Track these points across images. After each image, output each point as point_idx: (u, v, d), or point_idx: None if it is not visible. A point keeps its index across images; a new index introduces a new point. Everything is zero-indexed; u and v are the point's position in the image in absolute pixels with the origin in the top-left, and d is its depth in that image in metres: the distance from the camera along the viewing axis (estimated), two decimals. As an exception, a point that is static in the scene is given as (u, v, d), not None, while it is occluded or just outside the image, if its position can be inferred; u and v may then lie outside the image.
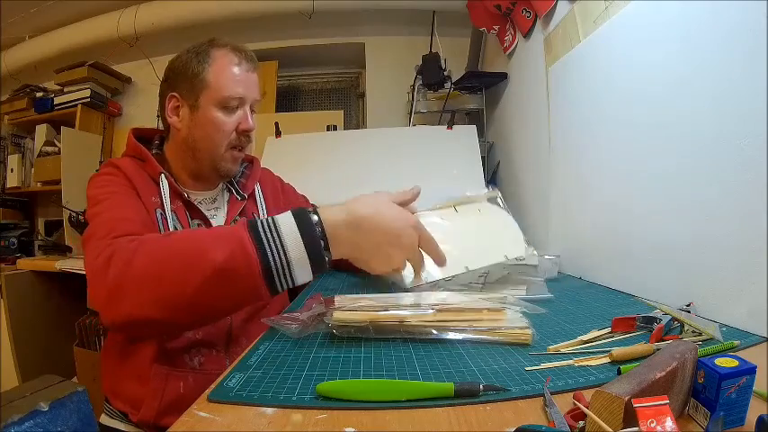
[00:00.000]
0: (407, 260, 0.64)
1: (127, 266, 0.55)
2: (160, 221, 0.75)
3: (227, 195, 0.90)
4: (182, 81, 0.80)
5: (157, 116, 0.89)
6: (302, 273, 0.55)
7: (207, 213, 0.83)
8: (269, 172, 1.05)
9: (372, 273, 0.63)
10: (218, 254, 0.52)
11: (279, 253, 0.54)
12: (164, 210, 0.76)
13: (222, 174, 0.85)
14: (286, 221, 0.55)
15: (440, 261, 0.66)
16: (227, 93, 0.78)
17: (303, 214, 0.56)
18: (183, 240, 0.57)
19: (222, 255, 0.52)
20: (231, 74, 0.79)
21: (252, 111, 0.83)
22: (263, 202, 0.93)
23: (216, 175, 0.85)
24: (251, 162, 0.96)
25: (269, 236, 0.54)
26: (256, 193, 0.93)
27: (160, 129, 0.89)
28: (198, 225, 0.82)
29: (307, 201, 1.10)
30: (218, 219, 0.86)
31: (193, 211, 0.81)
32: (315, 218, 0.56)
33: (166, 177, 0.78)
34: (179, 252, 0.55)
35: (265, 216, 0.79)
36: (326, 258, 0.57)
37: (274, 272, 0.54)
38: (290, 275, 0.55)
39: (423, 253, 0.65)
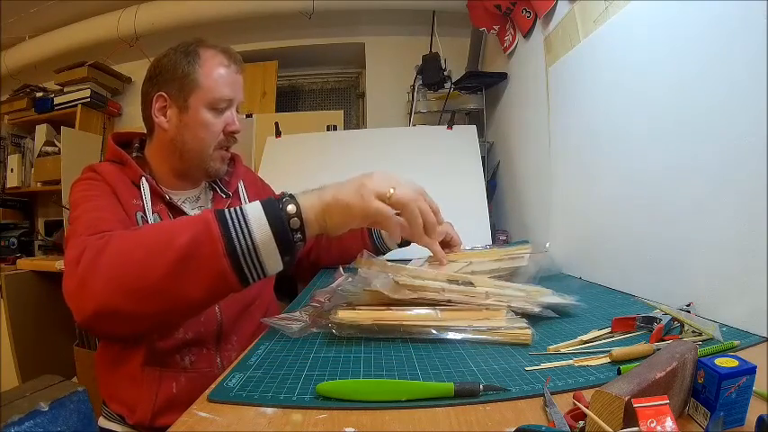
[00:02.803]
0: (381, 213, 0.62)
1: (94, 261, 0.55)
2: (140, 224, 0.75)
3: (210, 194, 0.90)
4: (170, 81, 0.79)
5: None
6: (270, 258, 0.54)
7: (192, 213, 0.83)
8: (250, 171, 1.06)
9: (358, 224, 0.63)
10: (182, 237, 0.52)
11: (244, 235, 0.53)
12: (145, 213, 0.76)
13: (211, 173, 0.85)
14: (254, 206, 0.56)
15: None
16: (218, 94, 0.79)
17: (271, 201, 0.57)
18: (150, 230, 0.60)
19: (186, 237, 0.52)
20: (221, 75, 0.80)
21: (237, 112, 0.84)
22: (247, 199, 0.93)
23: (204, 175, 0.86)
24: (233, 160, 0.96)
25: (234, 219, 0.54)
26: (240, 190, 0.93)
27: (139, 131, 0.89)
28: None
29: None
30: None
31: (176, 212, 0.81)
32: (286, 200, 0.57)
33: (147, 180, 0.78)
34: (145, 241, 0.56)
35: None
36: (297, 240, 0.56)
37: (240, 254, 0.52)
38: (257, 259, 0.54)
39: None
